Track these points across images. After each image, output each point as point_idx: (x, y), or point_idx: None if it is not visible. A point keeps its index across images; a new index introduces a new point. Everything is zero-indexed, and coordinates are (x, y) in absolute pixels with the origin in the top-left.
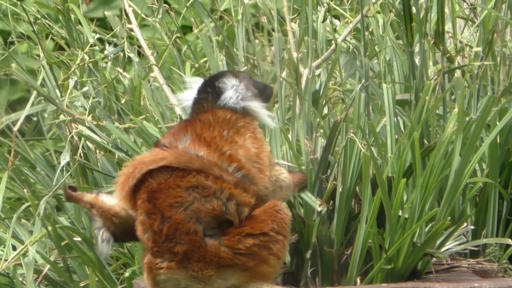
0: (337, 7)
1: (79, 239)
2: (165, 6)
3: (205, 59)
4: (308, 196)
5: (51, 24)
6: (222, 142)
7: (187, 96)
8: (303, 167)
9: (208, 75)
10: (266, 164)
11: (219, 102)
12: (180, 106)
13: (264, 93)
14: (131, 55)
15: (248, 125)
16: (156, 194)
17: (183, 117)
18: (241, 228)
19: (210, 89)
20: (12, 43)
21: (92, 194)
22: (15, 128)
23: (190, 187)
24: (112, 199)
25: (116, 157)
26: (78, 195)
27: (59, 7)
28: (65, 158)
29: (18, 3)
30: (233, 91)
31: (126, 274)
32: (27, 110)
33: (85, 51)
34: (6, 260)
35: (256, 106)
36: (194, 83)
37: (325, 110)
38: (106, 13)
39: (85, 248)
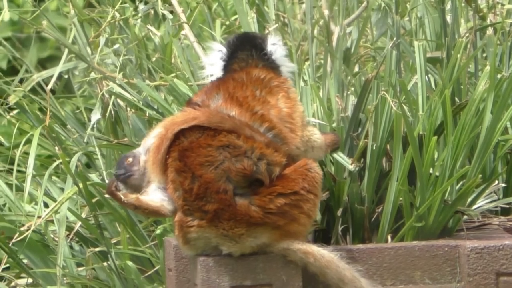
0: None
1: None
2: None
3: (236, 16)
4: (340, 156)
5: None
6: (254, 102)
7: (212, 60)
8: (334, 125)
9: (238, 33)
10: (298, 124)
11: (261, 57)
12: (207, 73)
13: None
14: (164, 12)
15: (282, 85)
16: (187, 152)
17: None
18: (272, 187)
19: (251, 46)
20: (42, 0)
21: (134, 196)
22: (49, 87)
23: (221, 146)
24: (157, 197)
25: (147, 114)
26: (122, 194)
27: None
28: (96, 116)
29: None
30: (274, 48)
31: (157, 231)
32: (60, 67)
33: (115, 8)
34: (39, 217)
35: (290, 66)
36: (215, 48)
37: (356, 68)
38: None
39: (116, 205)
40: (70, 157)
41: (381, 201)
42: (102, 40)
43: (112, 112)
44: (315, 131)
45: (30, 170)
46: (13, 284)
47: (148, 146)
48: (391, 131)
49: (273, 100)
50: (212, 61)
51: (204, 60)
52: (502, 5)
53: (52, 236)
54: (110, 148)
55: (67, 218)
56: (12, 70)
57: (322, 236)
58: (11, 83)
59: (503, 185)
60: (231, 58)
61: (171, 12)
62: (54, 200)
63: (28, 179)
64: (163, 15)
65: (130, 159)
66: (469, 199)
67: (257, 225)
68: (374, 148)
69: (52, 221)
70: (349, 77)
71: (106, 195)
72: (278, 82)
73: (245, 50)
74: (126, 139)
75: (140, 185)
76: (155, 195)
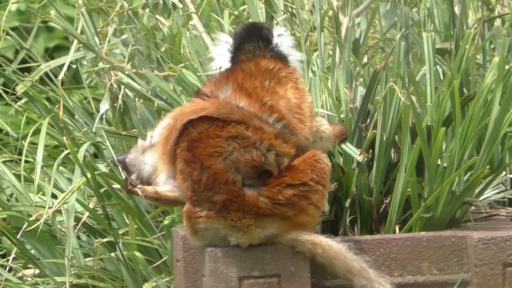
0: None
1: (118, 186)
2: None
3: (244, 6)
4: (348, 147)
5: None
6: (263, 92)
7: (220, 51)
8: (342, 116)
9: (246, 23)
10: (307, 114)
11: (267, 48)
12: (215, 64)
13: None
14: (174, 0)
15: (290, 75)
16: (196, 143)
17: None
18: (281, 178)
19: (257, 37)
20: None
21: (152, 188)
22: (59, 77)
23: (230, 137)
24: (172, 187)
25: (155, 105)
26: (140, 189)
27: None
28: (104, 106)
29: None
30: (280, 39)
31: (166, 222)
32: (70, 57)
33: None
34: (49, 208)
35: (295, 56)
36: (223, 39)
37: (365, 59)
38: None
39: (124, 195)
40: (78, 147)
41: (389, 192)
42: (110, 30)
43: (121, 102)
44: (324, 122)
45: (39, 159)
46: (20, 274)
47: (154, 134)
48: (400, 122)
49: (281, 91)
50: (220, 53)
51: (213, 51)
52: None
53: (59, 226)
54: (117, 137)
55: (74, 208)
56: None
57: (330, 227)
58: (19, 72)
59: (511, 176)
60: (238, 49)
61: (180, 1)
62: (61, 190)
63: (38, 168)
64: (173, 4)
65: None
66: (477, 190)
67: (266, 216)
68: (382, 139)
69: (59, 212)
70: (357, 68)
71: (115, 188)
72: (287, 73)
73: (252, 41)
74: (134, 130)
75: (139, 166)
76: (169, 185)
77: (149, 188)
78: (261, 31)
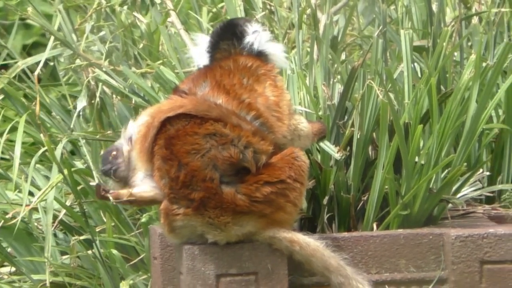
0: None
1: (95, 183)
2: None
3: (223, 4)
4: (326, 144)
5: None
6: (241, 90)
7: (197, 53)
8: (320, 113)
9: (225, 20)
10: (285, 112)
11: (241, 46)
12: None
13: None
14: None
15: (269, 73)
16: (174, 140)
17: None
18: (258, 176)
19: (231, 35)
20: None
21: (125, 191)
22: (36, 73)
23: (207, 134)
24: (148, 187)
25: (133, 102)
26: (113, 195)
27: None
28: (81, 103)
29: None
30: (254, 36)
31: (143, 220)
32: (46, 54)
33: None
34: (26, 206)
35: (275, 48)
36: (200, 39)
37: (343, 56)
38: None
39: None
40: (55, 145)
41: (367, 190)
42: (88, 27)
43: (98, 99)
44: (302, 119)
45: (17, 154)
46: None
47: (129, 135)
48: (377, 119)
49: (260, 88)
50: (199, 53)
51: (191, 52)
52: None
53: (36, 224)
54: (94, 139)
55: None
56: None
57: (308, 225)
58: None
59: (488, 173)
60: (215, 48)
61: None
62: (38, 188)
63: (16, 165)
64: (151, 1)
65: (114, 153)
66: (454, 188)
67: (243, 213)
68: (360, 136)
69: (36, 209)
70: (335, 65)
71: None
72: (265, 70)
73: (226, 39)
74: (109, 131)
75: (128, 175)
76: (145, 185)
77: (123, 192)
78: (236, 28)
